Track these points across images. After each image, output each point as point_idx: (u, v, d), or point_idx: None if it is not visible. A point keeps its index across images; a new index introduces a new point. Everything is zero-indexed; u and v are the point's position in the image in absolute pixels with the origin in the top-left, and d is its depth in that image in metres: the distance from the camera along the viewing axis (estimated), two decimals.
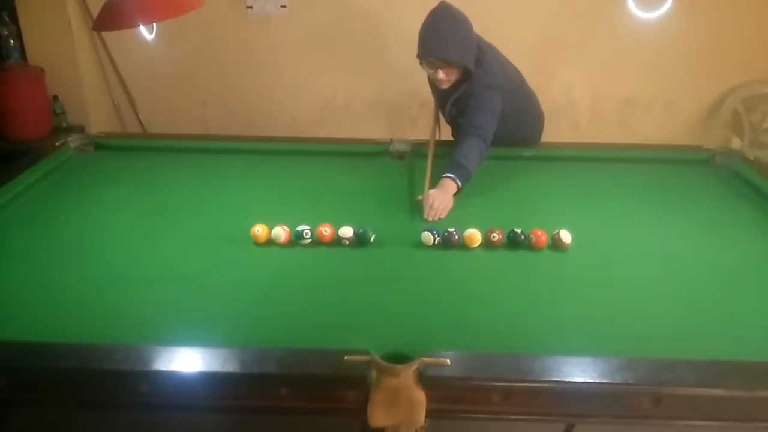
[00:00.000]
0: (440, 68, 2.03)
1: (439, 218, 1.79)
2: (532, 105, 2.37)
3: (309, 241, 1.63)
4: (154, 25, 1.77)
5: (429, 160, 2.04)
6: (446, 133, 2.37)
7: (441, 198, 1.84)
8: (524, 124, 2.33)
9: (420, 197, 1.86)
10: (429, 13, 2.02)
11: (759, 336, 1.30)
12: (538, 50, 3.15)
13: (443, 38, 1.99)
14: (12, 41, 3.03)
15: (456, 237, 1.62)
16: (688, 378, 1.13)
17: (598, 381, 1.12)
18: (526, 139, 2.34)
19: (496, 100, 2.06)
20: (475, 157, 1.96)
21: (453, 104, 2.18)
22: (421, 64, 2.08)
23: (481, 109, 2.04)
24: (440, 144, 2.23)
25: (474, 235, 1.62)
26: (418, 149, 2.23)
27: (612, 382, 1.12)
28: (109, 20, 1.69)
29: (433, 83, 2.17)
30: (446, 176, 1.90)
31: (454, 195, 1.88)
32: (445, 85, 2.10)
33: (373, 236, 1.63)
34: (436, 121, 2.30)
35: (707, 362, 1.16)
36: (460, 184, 1.90)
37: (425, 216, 1.79)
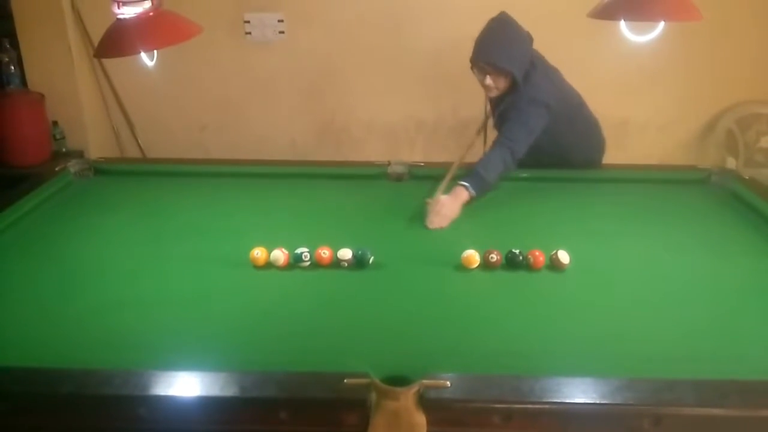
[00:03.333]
0: (489, 74, 2.06)
1: (440, 227, 1.81)
2: (591, 130, 2.37)
3: (308, 263, 1.63)
4: (155, 51, 1.79)
5: (453, 166, 2.07)
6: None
7: (448, 205, 1.85)
8: (581, 147, 2.33)
9: (428, 199, 1.87)
10: (488, 21, 2.08)
11: (758, 355, 1.30)
12: None
13: (494, 44, 2.04)
14: (12, 67, 3.07)
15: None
16: (688, 398, 1.13)
17: (598, 402, 1.12)
18: (584, 161, 2.34)
19: (538, 117, 2.06)
20: (496, 168, 1.98)
21: (499, 116, 2.20)
22: (472, 69, 2.11)
23: (519, 122, 2.05)
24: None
25: (472, 256, 1.63)
26: (415, 171, 2.25)
27: (612, 402, 1.12)
28: (110, 47, 1.71)
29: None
30: (460, 184, 1.92)
31: (467, 203, 1.90)
32: (492, 93, 2.13)
33: (372, 258, 1.64)
34: (478, 134, 2.32)
35: (707, 382, 1.16)
36: (473, 193, 1.91)
37: (427, 222, 1.81)
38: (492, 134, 2.29)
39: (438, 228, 1.82)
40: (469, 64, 2.12)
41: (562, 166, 2.26)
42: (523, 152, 2.04)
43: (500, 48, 2.03)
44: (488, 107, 2.30)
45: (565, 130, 2.18)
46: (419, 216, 1.91)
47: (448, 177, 1.98)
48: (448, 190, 1.95)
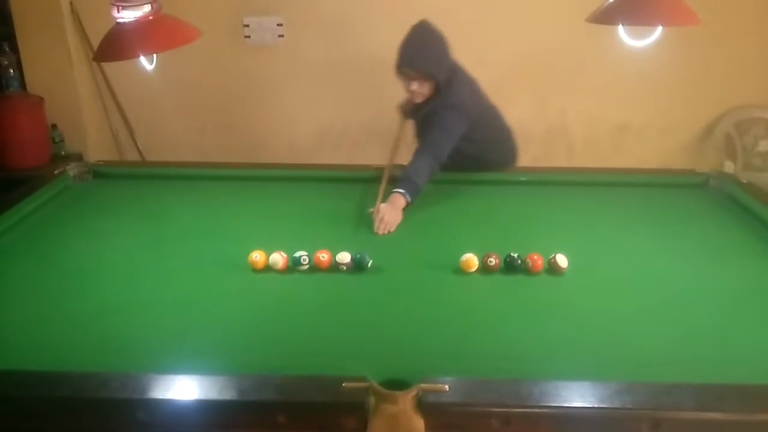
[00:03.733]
0: (414, 80, 2.10)
1: (388, 232, 1.86)
2: (507, 137, 2.42)
3: (306, 267, 1.63)
4: (155, 55, 1.79)
5: (384, 176, 2.12)
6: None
7: (390, 212, 1.91)
8: (498, 151, 2.38)
9: (371, 210, 1.93)
10: (410, 28, 2.12)
11: (757, 358, 1.30)
12: (533, 77, 3.19)
13: (417, 50, 2.09)
14: (12, 71, 3.07)
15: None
16: (687, 402, 1.13)
17: (596, 406, 1.12)
18: (500, 163, 2.38)
19: (458, 121, 2.11)
20: (425, 174, 2.04)
21: (421, 121, 2.24)
22: (397, 75, 2.15)
23: (441, 128, 2.10)
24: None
25: (471, 260, 1.63)
26: None
27: (611, 406, 1.12)
28: (109, 51, 1.72)
29: (406, 103, 2.29)
30: (396, 191, 1.98)
31: (403, 209, 1.95)
32: (418, 99, 2.17)
33: (371, 261, 1.64)
34: (398, 141, 2.37)
35: (705, 385, 1.16)
36: (409, 199, 1.97)
37: (375, 229, 1.86)
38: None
39: (386, 233, 1.86)
40: (396, 71, 2.15)
41: (480, 169, 2.30)
42: (445, 156, 2.10)
43: (425, 54, 2.08)
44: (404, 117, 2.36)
45: (484, 135, 2.25)
46: (418, 219, 1.92)
47: (382, 189, 2.03)
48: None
